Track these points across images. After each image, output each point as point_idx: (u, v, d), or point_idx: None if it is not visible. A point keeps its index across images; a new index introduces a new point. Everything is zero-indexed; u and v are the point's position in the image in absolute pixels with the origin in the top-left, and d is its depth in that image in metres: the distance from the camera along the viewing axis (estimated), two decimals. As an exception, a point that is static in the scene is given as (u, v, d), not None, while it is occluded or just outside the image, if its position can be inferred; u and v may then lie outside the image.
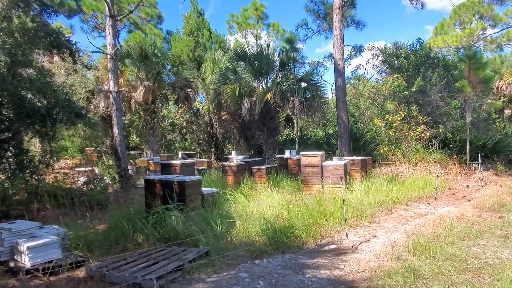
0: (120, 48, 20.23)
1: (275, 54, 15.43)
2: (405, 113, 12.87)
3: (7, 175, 7.78)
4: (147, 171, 13.07)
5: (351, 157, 11.19)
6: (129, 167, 13.68)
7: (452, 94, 14.26)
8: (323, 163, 9.55)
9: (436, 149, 13.70)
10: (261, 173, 11.60)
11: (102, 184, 9.38)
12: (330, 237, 6.20)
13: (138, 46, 15.64)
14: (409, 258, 4.79)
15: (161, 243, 5.70)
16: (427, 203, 9.05)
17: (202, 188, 6.80)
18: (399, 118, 12.86)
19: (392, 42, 15.52)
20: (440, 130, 12.99)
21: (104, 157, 15.24)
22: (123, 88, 15.51)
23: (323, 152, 10.08)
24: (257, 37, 24.50)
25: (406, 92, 13.41)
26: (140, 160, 14.20)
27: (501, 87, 20.21)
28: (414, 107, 13.22)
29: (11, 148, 8.17)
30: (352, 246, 5.61)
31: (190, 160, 7.85)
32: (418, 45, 15.34)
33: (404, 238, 6.01)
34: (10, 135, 8.08)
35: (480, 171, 11.69)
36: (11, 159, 7.93)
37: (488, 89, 13.41)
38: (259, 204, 7.52)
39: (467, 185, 11.47)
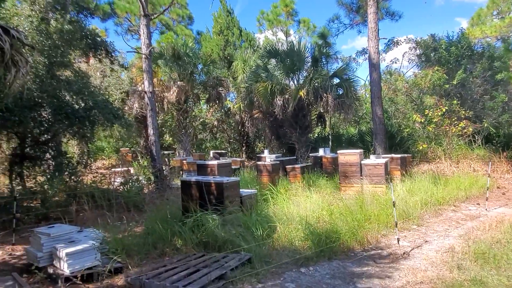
0: (153, 49, 20.53)
1: (307, 50, 15.03)
2: (446, 108, 12.15)
3: (46, 176, 7.90)
4: (181, 171, 13.07)
5: (389, 155, 10.68)
6: (163, 167, 13.78)
7: (496, 87, 13.36)
8: (362, 162, 9.14)
9: (479, 145, 12.90)
10: (296, 172, 11.29)
11: (137, 185, 9.40)
12: (377, 242, 5.83)
13: (170, 46, 15.71)
14: (472, 267, 4.37)
15: (199, 248, 5.56)
16: (477, 204, 8.46)
17: (240, 190, 6.60)
18: (439, 113, 12.16)
19: (428, 34, 14.67)
20: (485, 125, 12.18)
21: (139, 157, 15.43)
22: (157, 89, 15.64)
23: (361, 150, 9.66)
24: (287, 34, 24.16)
25: (447, 86, 12.67)
26: (174, 160, 14.25)
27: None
28: (455, 101, 12.48)
29: (50, 150, 8.29)
30: (404, 253, 5.23)
31: (227, 160, 7.68)
32: (457, 35, 14.47)
33: (460, 244, 5.56)
34: (49, 136, 8.21)
35: (532, 169, 10.86)
36: (50, 161, 8.05)
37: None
38: (299, 206, 7.23)
39: (518, 184, 10.69)
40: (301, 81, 14.92)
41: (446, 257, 5.02)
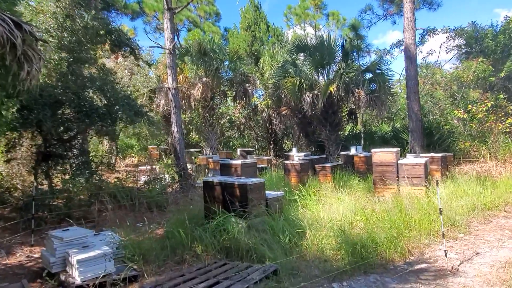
0: (180, 45, 20.39)
1: (337, 44, 14.31)
2: (492, 103, 11.11)
3: (69, 175, 7.75)
4: (207, 170, 12.77)
5: (429, 154, 9.86)
6: (188, 166, 13.53)
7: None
8: (399, 162, 8.41)
9: (529, 144, 11.75)
10: (326, 171, 10.71)
11: (161, 184, 9.14)
12: (420, 253, 5.19)
13: (196, 42, 15.44)
14: (539, 290, 3.68)
15: (221, 255, 5.13)
16: (531, 210, 7.55)
17: (267, 192, 6.13)
18: (484, 109, 11.15)
19: (468, 22, 13.57)
20: (538, 121, 11.05)
21: (162, 156, 15.29)
22: (183, 86, 15.43)
23: (397, 149, 8.92)
24: (316, 28, 23.36)
25: (493, 78, 11.60)
26: (200, 158, 13.98)
27: None
28: (501, 96, 11.40)
29: (74, 148, 8.14)
30: (452, 268, 4.57)
31: (251, 160, 7.23)
32: (502, 24, 13.25)
33: (518, 257, 4.83)
34: (72, 134, 8.05)
35: None
36: (72, 159, 7.90)
37: None
38: (330, 209, 6.66)
39: None
40: (331, 76, 14.23)
41: (503, 274, 4.33)
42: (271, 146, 20.03)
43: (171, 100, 9.52)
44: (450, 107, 13.27)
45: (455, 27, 13.97)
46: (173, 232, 5.73)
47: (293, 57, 15.26)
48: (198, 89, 14.48)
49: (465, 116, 11.37)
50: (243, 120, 20.31)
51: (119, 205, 8.29)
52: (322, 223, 5.91)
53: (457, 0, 50.83)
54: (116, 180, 9.79)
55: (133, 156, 19.31)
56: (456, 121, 12.62)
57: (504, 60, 11.73)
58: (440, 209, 4.78)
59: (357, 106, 13.78)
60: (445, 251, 4.67)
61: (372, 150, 8.89)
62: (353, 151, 12.00)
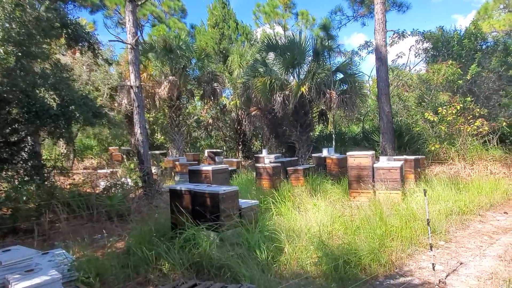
0: (143, 41, 19.37)
1: (308, 43, 14.03)
2: (461, 105, 11.23)
3: (14, 183, 6.85)
4: (173, 173, 12.07)
5: (402, 157, 9.75)
6: (153, 169, 12.74)
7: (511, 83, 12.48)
8: (375, 165, 8.18)
9: (494, 145, 12.01)
10: (298, 175, 10.37)
11: (123, 190, 8.39)
12: (403, 265, 4.89)
13: (161, 38, 14.65)
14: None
15: (190, 274, 4.57)
16: (504, 213, 7.56)
17: (240, 200, 5.62)
18: (454, 111, 11.24)
19: (436, 27, 13.76)
20: (503, 124, 11.28)
21: (127, 158, 14.36)
22: (147, 84, 14.58)
23: (373, 152, 8.70)
24: (285, 27, 23.11)
25: (461, 81, 11.74)
26: (166, 161, 13.22)
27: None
28: (469, 98, 11.56)
29: (22, 152, 7.24)
30: (440, 281, 4.29)
31: (223, 166, 6.69)
32: (465, 29, 13.52)
33: (504, 268, 4.64)
34: (20, 137, 7.15)
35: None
36: (20, 164, 7.00)
37: None
38: (306, 216, 6.26)
39: (540, 188, 9.80)
40: (302, 76, 13.94)
41: (491, 286, 4.10)
42: (240, 147, 19.53)
43: (133, 99, 8.76)
44: (419, 109, 13.35)
45: (424, 31, 14.13)
46: (136, 248, 5.10)
47: (263, 56, 14.84)
48: (163, 88, 13.70)
49: (435, 119, 11.43)
50: (210, 121, 19.66)
51: (75, 215, 7.48)
52: (299, 233, 5.49)
53: (419, 6, 52.74)
54: (71, 186, 8.91)
55: (92, 158, 18.14)
56: (424, 123, 12.70)
57: (469, 64, 11.90)
58: (427, 220, 4.48)
59: (328, 107, 13.57)
60: (432, 264, 4.37)
61: (348, 153, 8.61)
62: (325, 152, 11.74)
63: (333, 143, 14.88)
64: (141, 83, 13.85)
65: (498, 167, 10.65)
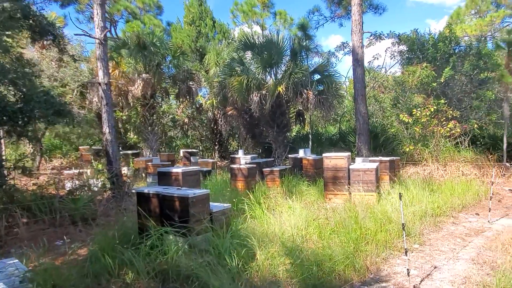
0: (117, 37, 18.75)
1: (285, 43, 13.91)
2: (435, 107, 11.36)
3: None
4: (145, 174, 11.66)
5: (378, 158, 9.74)
6: (125, 170, 12.27)
7: (483, 86, 12.74)
8: (351, 167, 8.10)
9: (466, 147, 12.24)
10: (274, 176, 10.21)
11: (89, 193, 7.97)
12: (378, 270, 4.77)
13: (134, 35, 14.14)
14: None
15: (156, 283, 4.29)
16: (476, 214, 7.63)
17: (211, 204, 5.37)
18: (428, 113, 11.36)
19: (411, 29, 13.96)
20: (475, 126, 11.48)
21: (95, 158, 13.79)
22: (120, 81, 14.06)
23: (349, 153, 8.63)
24: (263, 27, 22.93)
25: (435, 84, 11.88)
26: (137, 161, 12.76)
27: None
28: (442, 101, 11.72)
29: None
30: (414, 287, 4.18)
31: (194, 168, 6.42)
32: (442, 32, 13.74)
33: (477, 272, 4.60)
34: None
35: (526, 173, 10.23)
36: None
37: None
38: (281, 220, 6.07)
39: (509, 189, 10.03)
40: (279, 76, 13.79)
41: (467, 293, 4.03)
42: (216, 147, 19.22)
43: (101, 97, 8.33)
44: (395, 111, 13.46)
45: (400, 33, 14.28)
46: (98, 255, 4.77)
47: (240, 55, 14.61)
48: (137, 86, 13.25)
49: (409, 120, 11.52)
50: (186, 120, 19.24)
51: (36, 219, 7.02)
52: (273, 238, 5.29)
53: (394, 9, 53.87)
54: (35, 187, 8.41)
55: (61, 158, 17.40)
56: (398, 124, 12.80)
57: (443, 67, 12.06)
58: (403, 224, 4.37)
59: (305, 107, 13.48)
60: (407, 269, 4.27)
61: (323, 155, 8.50)
62: (301, 153, 11.63)
63: (310, 143, 14.82)
64: (115, 81, 13.38)
65: (469, 168, 10.83)
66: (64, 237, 5.76)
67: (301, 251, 4.80)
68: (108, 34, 9.88)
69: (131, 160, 13.33)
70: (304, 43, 14.05)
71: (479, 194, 8.95)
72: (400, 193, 4.34)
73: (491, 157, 11.20)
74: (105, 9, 8.62)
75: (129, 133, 18.04)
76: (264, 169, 10.41)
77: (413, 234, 6.04)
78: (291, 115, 15.24)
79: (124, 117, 16.53)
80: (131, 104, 14.64)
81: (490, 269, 4.70)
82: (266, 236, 5.31)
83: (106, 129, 8.30)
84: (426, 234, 6.31)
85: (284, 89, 12.51)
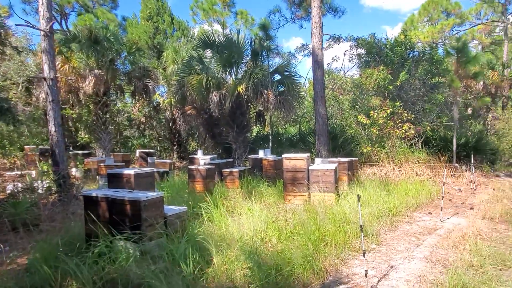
0: (67, 30, 17.68)
1: (246, 42, 13.79)
2: (391, 110, 11.71)
3: None
4: (98, 176, 11.02)
5: (336, 159, 9.85)
6: (74, 171, 11.54)
7: (434, 90, 13.35)
8: (310, 167, 8.08)
9: (419, 148, 12.74)
10: (233, 177, 10.03)
11: (33, 196, 7.34)
12: (336, 271, 4.72)
13: (87, 28, 13.36)
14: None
15: (104, 294, 3.95)
16: (429, 213, 7.88)
17: (166, 207, 5.07)
18: (384, 115, 11.69)
19: (369, 33, 14.39)
20: (427, 129, 11.98)
21: (40, 159, 12.86)
22: (70, 77, 13.20)
23: (308, 154, 8.62)
24: (224, 26, 22.67)
25: (391, 87, 12.26)
26: (88, 162, 12.03)
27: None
28: (398, 103, 12.12)
29: None
30: (372, 287, 4.16)
31: (148, 170, 6.06)
32: (398, 37, 14.26)
33: (430, 270, 4.69)
34: None
35: (472, 173, 10.78)
36: None
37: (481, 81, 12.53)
38: (239, 222, 5.89)
39: (459, 189, 10.53)
40: (239, 76, 13.62)
41: (422, 292, 4.06)
42: (175, 147, 18.69)
43: (47, 93, 7.70)
44: (353, 112, 13.74)
45: (358, 37, 14.62)
46: (39, 265, 4.33)
47: (199, 53, 14.27)
48: (88, 82, 12.51)
49: (367, 122, 11.78)
50: (143, 119, 18.53)
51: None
52: (231, 241, 5.10)
53: (352, 14, 55.65)
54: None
55: (4, 158, 16.11)
56: (356, 126, 13.09)
57: (399, 70, 12.47)
58: (361, 225, 4.34)
59: (265, 107, 13.40)
60: (365, 270, 4.25)
61: (283, 155, 8.42)
62: (261, 154, 11.53)
63: (270, 144, 14.78)
64: (63, 76, 12.55)
65: (422, 169, 11.25)
66: (1, 245, 5.20)
67: (260, 255, 4.65)
68: (57, 27, 9.20)
69: (81, 161, 12.55)
70: (265, 44, 13.98)
71: (431, 194, 9.28)
72: (358, 195, 4.30)
73: (443, 158, 11.73)
74: (51, 1, 7.98)
75: (80, 132, 17.05)
76: (223, 170, 10.19)
77: (371, 234, 6.09)
78: (251, 116, 15.13)
79: (74, 115, 15.59)
80: (83, 102, 13.81)
81: (442, 267, 4.81)
82: (224, 240, 5.10)
83: (52, 127, 7.68)
84: (383, 233, 6.39)
85: (244, 89, 12.36)
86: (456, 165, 12.15)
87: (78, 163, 12.21)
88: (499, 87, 21.09)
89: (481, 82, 18.85)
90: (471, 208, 8.32)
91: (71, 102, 13.98)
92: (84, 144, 16.97)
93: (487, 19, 26.43)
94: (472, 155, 11.24)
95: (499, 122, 17.63)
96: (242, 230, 5.53)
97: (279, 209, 7.52)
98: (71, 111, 15.51)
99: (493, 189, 10.29)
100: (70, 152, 13.57)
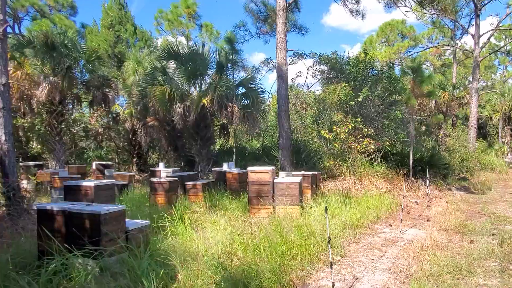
0: (21, 35, 16.78)
1: (212, 55, 13.79)
2: (352, 125, 12.10)
3: None
4: (50, 189, 10.36)
5: (300, 172, 9.95)
6: (25, 184, 10.80)
7: (392, 107, 14.00)
8: (275, 181, 8.09)
9: (378, 162, 13.20)
10: (197, 190, 9.83)
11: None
12: (303, 284, 4.69)
13: (42, 33, 12.72)
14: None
15: (58, 316, 3.65)
16: (389, 225, 8.12)
17: (128, 221, 4.82)
18: (346, 130, 12.04)
19: (331, 51, 14.92)
20: (386, 144, 12.48)
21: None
22: (23, 84, 12.45)
23: (273, 167, 8.64)
24: (188, 37, 22.55)
25: (353, 102, 12.69)
26: (41, 174, 11.30)
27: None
28: (359, 119, 12.56)
29: None
30: (340, 301, 4.16)
31: (108, 181, 5.76)
32: (358, 56, 14.88)
33: (392, 280, 4.80)
34: None
35: (428, 187, 11.31)
36: None
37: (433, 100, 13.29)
38: (204, 236, 5.74)
39: (415, 202, 10.98)
40: (204, 88, 13.52)
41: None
42: (135, 160, 18.08)
43: (-3, 99, 7.17)
44: (316, 127, 14.04)
45: (320, 54, 15.09)
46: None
47: (163, 64, 14.04)
48: (42, 89, 11.84)
49: (329, 136, 12.07)
50: (101, 130, 17.80)
51: None
52: (196, 256, 4.93)
53: (314, 33, 57.71)
54: None
55: None
56: (319, 140, 13.37)
57: (361, 87, 12.95)
58: (328, 237, 4.37)
59: (230, 120, 13.36)
60: (332, 283, 4.25)
61: (248, 168, 8.38)
62: (225, 167, 11.43)
63: (234, 157, 14.71)
64: (16, 82, 11.82)
65: (382, 182, 11.65)
66: None
67: (226, 269, 4.53)
68: (9, 30, 8.65)
69: (33, 172, 11.76)
70: (231, 57, 14.04)
71: (391, 207, 9.60)
72: (326, 207, 4.34)
73: (401, 172, 12.23)
74: (6, 2, 7.54)
75: (31, 142, 16.03)
76: (186, 183, 9.96)
77: (335, 246, 6.15)
78: (215, 128, 15.02)
79: (26, 124, 14.66)
80: (35, 110, 13.03)
81: (405, 278, 4.94)
82: (189, 254, 4.92)
83: (2, 136, 7.14)
84: (347, 245, 6.48)
85: (209, 101, 12.27)
86: (413, 179, 12.70)
87: (29, 175, 11.42)
88: (449, 106, 22.60)
89: (433, 101, 20.05)
90: (428, 220, 8.68)
91: (23, 110, 13.15)
92: (35, 155, 15.96)
93: (438, 43, 28.42)
94: (427, 170, 11.80)
95: (450, 139, 18.78)
96: (207, 244, 5.39)
97: (245, 222, 7.42)
98: (22, 120, 14.59)
99: (447, 202, 10.84)
100: (21, 163, 12.70)
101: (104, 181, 5.88)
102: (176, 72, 13.79)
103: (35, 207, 7.79)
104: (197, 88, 13.68)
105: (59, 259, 4.15)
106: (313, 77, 15.44)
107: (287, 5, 13.15)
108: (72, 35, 13.91)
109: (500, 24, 24.09)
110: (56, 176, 10.20)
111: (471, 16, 23.69)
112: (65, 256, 4.22)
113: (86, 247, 4.24)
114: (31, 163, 13.05)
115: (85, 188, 5.25)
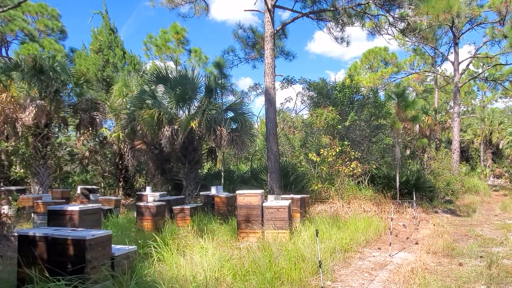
0: (8, 59, 16.69)
1: (201, 79, 13.92)
2: (340, 148, 12.22)
3: None
4: (33, 214, 10.07)
5: (289, 196, 9.92)
6: (5, 209, 10.45)
7: (378, 131, 14.23)
8: (264, 204, 8.04)
9: (366, 185, 13.29)
10: (185, 214, 9.70)
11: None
12: (295, 312, 4.59)
13: (31, 57, 12.69)
14: None
15: None
16: (378, 249, 8.08)
17: (113, 247, 4.69)
18: (333, 153, 12.15)
19: (319, 77, 15.31)
20: (373, 167, 12.60)
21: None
22: (7, 107, 12.29)
23: (262, 190, 8.60)
24: (177, 62, 22.76)
25: (340, 126, 12.87)
26: (23, 199, 10.97)
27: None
28: (346, 142, 12.72)
29: None
30: (332, 327, 4.07)
31: (94, 206, 5.63)
32: (344, 81, 15.24)
33: (386, 306, 4.72)
34: None
35: (415, 210, 11.37)
36: None
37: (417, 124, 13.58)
38: (192, 262, 5.61)
39: (403, 224, 11.01)
40: (192, 112, 13.56)
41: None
42: (121, 184, 17.78)
43: (-19, 122, 7.05)
44: (304, 150, 14.13)
45: (309, 80, 15.40)
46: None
47: (152, 88, 14.08)
48: (29, 113, 11.69)
49: (317, 159, 12.14)
50: (87, 153, 17.55)
51: None
52: (184, 282, 4.81)
53: (300, 58, 59.15)
54: None
55: None
56: (307, 163, 13.43)
57: (348, 111, 13.18)
58: (319, 261, 4.31)
59: (218, 144, 13.35)
60: (324, 309, 4.17)
61: (237, 192, 8.33)
62: (213, 191, 11.34)
63: (222, 181, 14.61)
64: (1, 105, 11.66)
65: (369, 205, 11.68)
66: None
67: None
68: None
69: (16, 197, 11.39)
70: (220, 81, 14.19)
71: (379, 230, 9.59)
72: (317, 230, 4.32)
73: (388, 194, 12.30)
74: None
75: (14, 166, 15.65)
76: (174, 207, 9.82)
77: (326, 270, 6.07)
78: (203, 152, 14.97)
79: (10, 148, 14.37)
80: (20, 133, 12.81)
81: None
82: (176, 281, 4.80)
83: (-16, 159, 6.98)
84: (337, 270, 6.40)
85: (197, 124, 12.28)
86: (400, 201, 12.79)
87: (12, 199, 11.07)
88: (432, 130, 23.11)
89: (417, 126, 20.48)
90: (416, 243, 8.67)
91: (6, 133, 12.91)
92: (17, 180, 15.56)
93: (420, 69, 29.37)
94: (414, 192, 11.91)
95: (434, 162, 19.08)
96: (195, 270, 5.27)
97: (233, 247, 7.30)
98: (6, 144, 14.31)
99: (434, 225, 10.88)
100: (3, 188, 12.34)
101: (89, 205, 5.75)
102: (165, 96, 13.83)
103: (15, 233, 7.53)
104: (186, 112, 13.71)
105: (39, 287, 4.00)
106: (302, 103, 15.69)
107: (275, 31, 13.45)
108: (61, 59, 13.89)
109: (478, 52, 25.09)
110: (39, 201, 9.94)
111: (450, 44, 24.75)
112: (46, 284, 4.06)
113: (69, 274, 4.10)
114: (12, 187, 12.69)
115: (69, 213, 5.12)
